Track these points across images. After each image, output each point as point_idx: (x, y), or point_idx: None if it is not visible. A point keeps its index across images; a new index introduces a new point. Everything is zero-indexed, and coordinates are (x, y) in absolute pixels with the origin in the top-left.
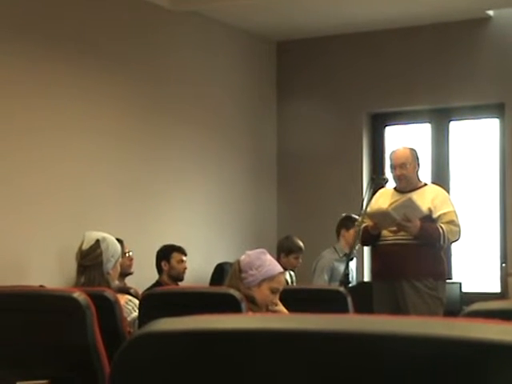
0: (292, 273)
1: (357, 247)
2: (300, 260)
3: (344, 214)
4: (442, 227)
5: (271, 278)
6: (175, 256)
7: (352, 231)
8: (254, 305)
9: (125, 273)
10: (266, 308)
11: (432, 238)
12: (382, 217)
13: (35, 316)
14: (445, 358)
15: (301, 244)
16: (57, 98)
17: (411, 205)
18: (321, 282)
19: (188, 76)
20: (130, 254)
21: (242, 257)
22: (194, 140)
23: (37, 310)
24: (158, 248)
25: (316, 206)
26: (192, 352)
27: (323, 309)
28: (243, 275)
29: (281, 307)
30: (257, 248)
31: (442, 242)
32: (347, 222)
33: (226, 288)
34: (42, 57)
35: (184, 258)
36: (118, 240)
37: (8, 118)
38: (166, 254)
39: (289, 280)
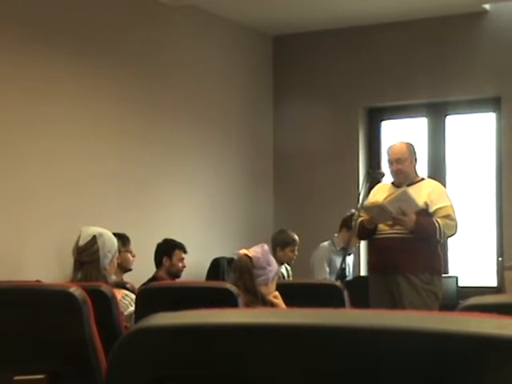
0: (288, 267)
1: (353, 248)
2: (296, 252)
3: (353, 210)
4: (437, 221)
5: (277, 272)
6: (177, 253)
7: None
8: (263, 301)
9: (125, 268)
10: (270, 303)
11: (428, 232)
12: (377, 210)
13: (32, 311)
14: (441, 353)
15: (295, 236)
16: (54, 93)
17: (406, 198)
18: (323, 274)
19: (185, 71)
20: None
21: (251, 253)
22: (190, 135)
23: (33, 305)
24: (154, 243)
25: (312, 201)
26: (189, 347)
27: (319, 303)
28: (259, 272)
29: (280, 301)
30: (254, 243)
31: (437, 236)
32: (351, 222)
33: (223, 282)
34: (41, 52)
35: (184, 256)
36: (125, 237)
37: (5, 113)
38: (169, 249)
39: (285, 274)
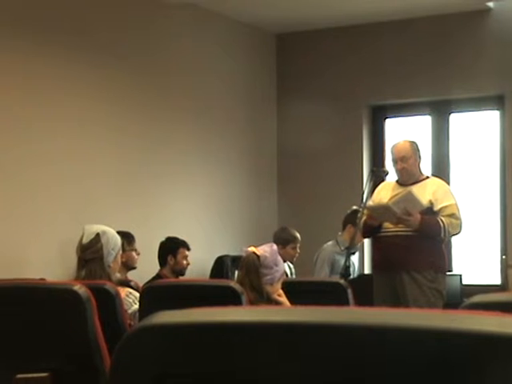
0: (291, 265)
1: (359, 244)
2: (298, 250)
3: (354, 207)
4: (442, 220)
5: (283, 273)
6: (181, 251)
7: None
8: (267, 300)
9: (130, 266)
10: (275, 301)
11: (432, 231)
12: (382, 211)
13: (36, 309)
14: (444, 351)
15: (296, 234)
16: (55, 92)
17: (411, 198)
18: (322, 274)
19: (186, 69)
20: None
21: (259, 252)
22: (194, 133)
23: (37, 303)
24: (158, 241)
25: (316, 199)
26: (192, 345)
27: (323, 301)
28: (265, 271)
29: (285, 299)
30: (258, 241)
31: (442, 235)
32: (355, 218)
33: (226, 280)
34: (40, 51)
35: (187, 254)
36: (130, 235)
37: (7, 112)
38: (173, 248)
39: (288, 272)
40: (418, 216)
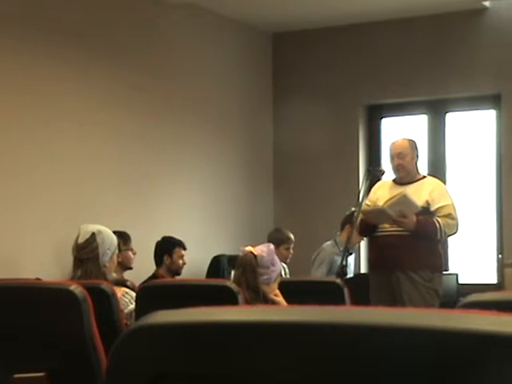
0: (284, 265)
1: (356, 245)
2: (291, 251)
3: (353, 209)
4: (438, 221)
5: (279, 273)
6: (177, 251)
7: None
8: (264, 299)
9: (126, 266)
10: (272, 301)
11: (429, 232)
12: (377, 214)
13: (32, 309)
14: (441, 350)
15: (290, 234)
16: (54, 93)
17: (406, 201)
18: (319, 274)
19: (183, 68)
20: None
21: (256, 251)
22: (190, 133)
23: (33, 303)
24: (154, 241)
25: (312, 199)
26: (189, 345)
27: (320, 300)
28: (262, 271)
29: (281, 298)
30: (254, 241)
31: (438, 236)
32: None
33: (223, 280)
34: (41, 52)
35: (184, 253)
36: (126, 235)
37: (6, 113)
38: (169, 247)
39: (282, 272)
40: (414, 218)
